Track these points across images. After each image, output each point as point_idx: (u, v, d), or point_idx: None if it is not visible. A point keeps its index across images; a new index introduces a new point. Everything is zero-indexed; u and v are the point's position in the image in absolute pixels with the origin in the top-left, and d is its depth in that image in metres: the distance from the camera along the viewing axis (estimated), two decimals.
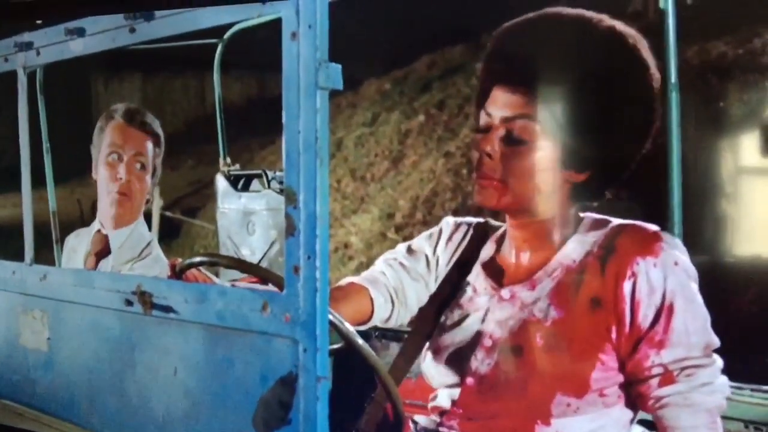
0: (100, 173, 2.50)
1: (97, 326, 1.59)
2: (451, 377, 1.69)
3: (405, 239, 1.98)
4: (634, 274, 1.54)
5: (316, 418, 1.18)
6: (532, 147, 1.59)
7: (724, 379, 1.56)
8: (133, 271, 2.46)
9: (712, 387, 1.54)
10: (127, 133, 2.48)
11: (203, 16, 1.37)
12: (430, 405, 1.74)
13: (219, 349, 1.35)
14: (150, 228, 2.68)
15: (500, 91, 1.61)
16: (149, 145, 2.50)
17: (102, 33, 1.55)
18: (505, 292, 1.67)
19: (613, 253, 1.57)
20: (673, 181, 2.20)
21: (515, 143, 1.60)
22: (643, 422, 1.75)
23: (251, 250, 3.41)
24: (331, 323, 1.38)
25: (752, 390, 1.96)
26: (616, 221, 1.64)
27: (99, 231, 2.55)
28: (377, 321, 1.81)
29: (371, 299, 1.78)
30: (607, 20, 1.61)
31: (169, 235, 10.13)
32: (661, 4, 2.18)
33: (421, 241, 1.86)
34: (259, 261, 3.35)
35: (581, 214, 1.68)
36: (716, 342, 1.56)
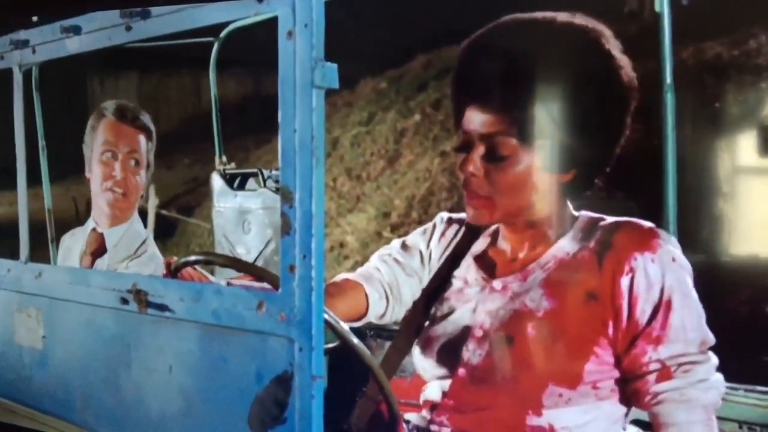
0: (95, 172, 2.49)
1: (92, 324, 1.59)
2: (443, 369, 1.69)
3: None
4: (632, 270, 1.55)
5: (312, 417, 1.19)
6: (514, 161, 1.61)
7: (719, 375, 1.57)
8: (129, 269, 2.45)
9: (708, 383, 1.55)
10: (119, 131, 2.48)
11: (199, 15, 1.37)
12: (422, 399, 1.74)
13: (214, 348, 1.35)
14: (145, 225, 2.68)
15: (473, 111, 1.63)
16: (142, 140, 2.50)
17: (98, 31, 1.54)
18: (496, 283, 1.68)
19: (611, 249, 1.58)
20: (668, 181, 2.21)
21: (496, 160, 1.61)
22: (638, 422, 1.75)
23: (247, 249, 3.40)
24: (327, 322, 1.38)
25: (746, 390, 1.97)
26: (612, 218, 1.65)
27: (94, 230, 2.55)
28: (372, 317, 1.82)
29: (366, 295, 1.79)
30: (562, 17, 1.62)
31: (165, 233, 10.12)
32: (657, 6, 2.19)
33: (415, 237, 1.87)
34: (255, 260, 3.35)
35: (576, 213, 1.69)
36: (712, 339, 1.57)
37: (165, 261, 1.66)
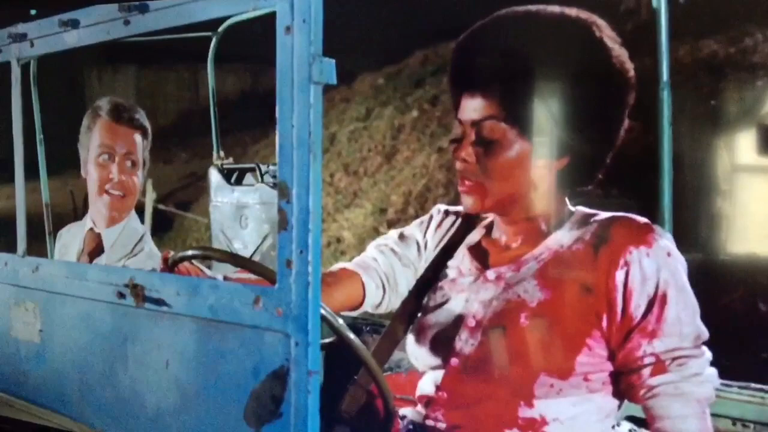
0: (91, 173, 2.47)
1: (89, 318, 1.59)
2: (436, 358, 1.70)
3: None
4: (627, 264, 1.55)
5: (307, 412, 1.19)
6: (503, 145, 1.61)
7: (713, 370, 1.58)
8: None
9: (702, 377, 1.55)
10: (115, 132, 2.45)
11: (198, 9, 1.37)
12: (417, 394, 1.75)
13: (211, 343, 1.35)
14: (142, 221, 2.68)
15: (466, 99, 1.65)
16: (138, 139, 2.48)
17: (96, 25, 1.54)
18: (490, 273, 1.68)
19: (606, 242, 1.59)
20: (663, 178, 2.21)
21: (485, 144, 1.62)
22: (632, 419, 1.76)
23: (244, 244, 3.40)
24: (323, 317, 1.39)
25: (740, 387, 1.97)
26: (607, 213, 1.66)
27: (91, 229, 2.53)
28: (368, 306, 1.83)
29: (363, 285, 1.80)
30: (553, 8, 1.64)
31: (162, 228, 10.12)
32: (654, 4, 2.19)
33: (412, 228, 1.89)
34: (252, 255, 3.35)
35: (572, 208, 1.69)
36: (706, 333, 1.58)
37: (162, 255, 1.66)
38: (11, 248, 1.77)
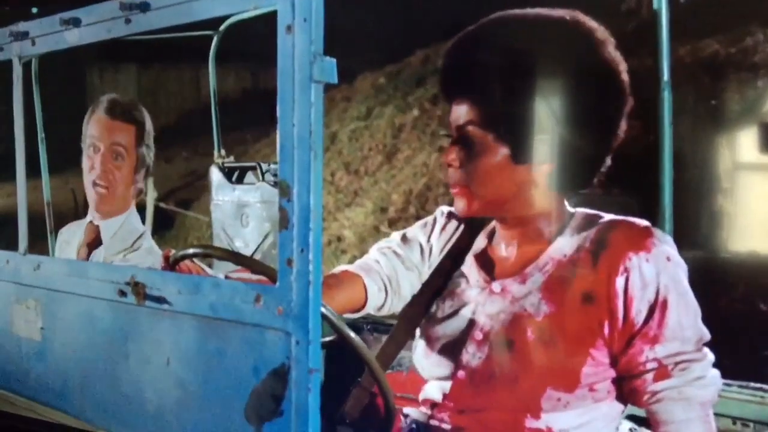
0: (83, 165, 2.52)
1: (90, 316, 1.59)
2: (442, 369, 1.70)
3: None
4: (626, 270, 1.55)
5: (308, 410, 1.19)
6: (482, 148, 1.62)
7: (715, 372, 1.58)
8: (125, 262, 2.46)
9: (705, 380, 1.55)
10: (104, 125, 2.49)
11: (199, 8, 1.37)
12: (421, 397, 1.75)
13: (212, 341, 1.35)
14: (143, 220, 2.68)
15: (454, 105, 1.66)
16: (131, 133, 2.49)
17: (97, 23, 1.54)
18: (496, 286, 1.68)
19: (605, 249, 1.58)
20: (664, 178, 2.21)
21: (469, 148, 1.63)
22: (632, 417, 1.76)
23: (245, 243, 3.41)
24: (324, 316, 1.39)
25: (740, 386, 1.98)
26: (607, 216, 1.65)
27: (91, 222, 2.56)
28: (371, 309, 1.82)
29: (365, 287, 1.79)
30: (538, 11, 1.65)
31: (164, 226, 10.12)
32: (655, 3, 2.19)
33: (415, 230, 1.88)
34: (253, 253, 3.35)
35: (571, 210, 1.69)
36: (707, 335, 1.58)
37: (163, 253, 1.66)
38: (13, 246, 1.77)
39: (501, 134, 1.60)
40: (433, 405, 1.70)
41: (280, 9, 1.18)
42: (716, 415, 1.58)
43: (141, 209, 2.71)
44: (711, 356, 1.58)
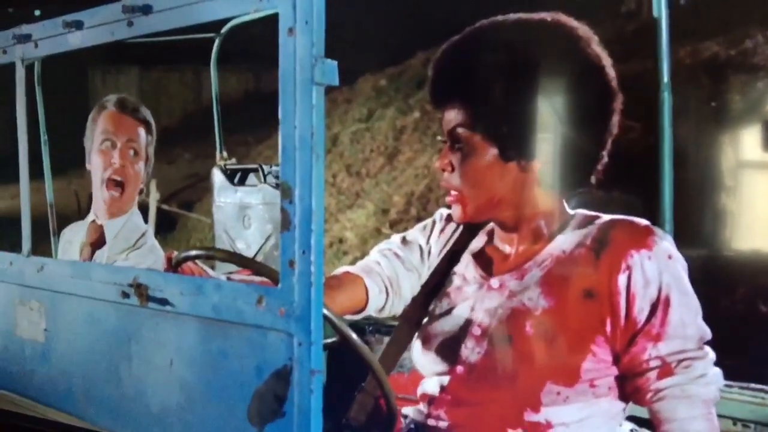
0: (94, 162, 2.50)
1: (93, 318, 1.60)
2: (441, 365, 1.70)
3: None
4: (628, 267, 1.55)
5: (310, 411, 1.19)
6: (473, 149, 1.63)
7: (717, 370, 1.58)
8: (128, 260, 2.45)
9: (707, 378, 1.56)
10: (119, 121, 2.48)
11: (201, 10, 1.37)
12: (419, 392, 1.75)
13: (214, 342, 1.35)
14: (145, 219, 2.69)
15: (444, 112, 1.68)
16: (141, 132, 2.50)
17: (100, 26, 1.55)
18: (494, 281, 1.69)
19: (607, 246, 1.59)
20: (664, 179, 2.21)
21: (459, 150, 1.65)
22: (633, 418, 1.76)
23: (247, 244, 3.42)
24: (326, 317, 1.39)
25: (741, 387, 1.98)
26: (607, 216, 1.66)
27: (94, 221, 2.55)
28: (372, 310, 1.84)
29: (366, 289, 1.81)
30: (515, 15, 1.67)
31: (166, 227, 10.12)
32: (655, 5, 2.19)
33: (415, 233, 1.89)
34: (255, 255, 3.36)
35: (571, 211, 1.70)
36: (708, 333, 1.58)
37: (166, 255, 1.67)
38: (16, 248, 1.78)
39: (488, 133, 1.62)
40: (431, 400, 1.70)
41: (282, 11, 1.19)
42: (717, 416, 1.59)
43: (143, 210, 2.71)
44: (712, 354, 1.59)
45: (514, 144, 1.62)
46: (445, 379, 1.69)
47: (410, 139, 9.37)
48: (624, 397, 1.63)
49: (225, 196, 3.51)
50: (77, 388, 1.65)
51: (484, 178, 1.64)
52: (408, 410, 1.76)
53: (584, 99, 1.63)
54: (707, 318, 1.59)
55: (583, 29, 1.65)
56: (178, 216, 10.68)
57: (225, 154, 3.55)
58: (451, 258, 1.81)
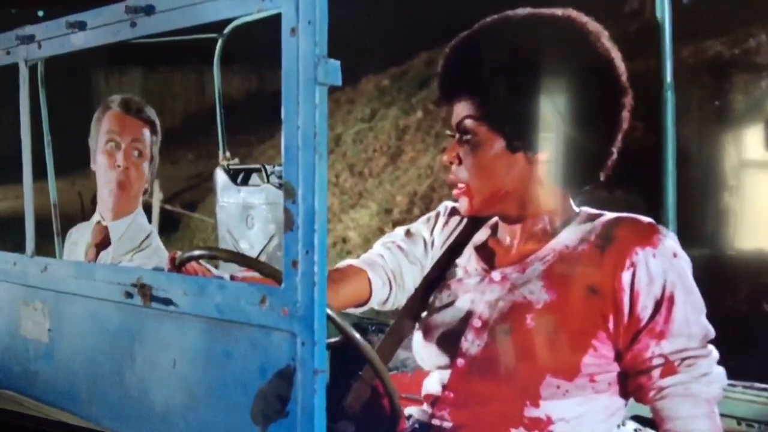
0: (99, 162, 2.50)
1: (97, 318, 1.60)
2: (442, 358, 1.71)
3: None
4: (633, 264, 1.55)
5: (314, 411, 1.19)
6: (480, 140, 1.64)
7: (720, 369, 1.58)
8: (133, 261, 2.46)
9: (711, 377, 1.56)
10: (123, 121, 2.48)
11: (203, 11, 1.37)
12: (423, 393, 1.76)
13: (217, 342, 1.36)
14: (149, 220, 2.69)
15: (453, 105, 1.69)
16: (146, 132, 2.51)
17: (103, 27, 1.55)
18: (495, 274, 1.69)
19: (612, 243, 1.59)
20: (668, 178, 2.21)
21: (466, 143, 1.66)
22: (637, 418, 1.77)
23: (250, 244, 3.42)
24: (329, 317, 1.39)
25: (744, 387, 1.98)
26: (612, 213, 1.66)
27: (99, 222, 2.56)
28: (375, 303, 1.84)
29: (369, 282, 1.81)
30: (525, 10, 1.68)
31: (169, 228, 10.13)
32: (657, 5, 2.19)
33: (419, 225, 1.90)
34: (258, 255, 3.36)
35: (576, 209, 1.70)
36: (712, 332, 1.58)
37: (169, 255, 1.67)
38: (20, 248, 1.78)
39: (496, 124, 1.62)
40: (434, 401, 1.71)
41: (285, 11, 1.19)
42: (721, 415, 1.59)
43: (147, 210, 2.71)
44: (716, 353, 1.58)
45: (521, 135, 1.62)
46: (446, 375, 1.69)
47: (413, 138, 9.37)
48: (624, 394, 1.63)
49: (228, 196, 3.51)
50: (81, 388, 1.65)
51: (491, 169, 1.64)
52: (412, 410, 1.76)
53: (594, 94, 1.63)
54: (711, 317, 1.59)
55: (593, 24, 1.65)
56: (181, 216, 10.70)
57: (228, 154, 3.56)
58: (454, 250, 1.81)
